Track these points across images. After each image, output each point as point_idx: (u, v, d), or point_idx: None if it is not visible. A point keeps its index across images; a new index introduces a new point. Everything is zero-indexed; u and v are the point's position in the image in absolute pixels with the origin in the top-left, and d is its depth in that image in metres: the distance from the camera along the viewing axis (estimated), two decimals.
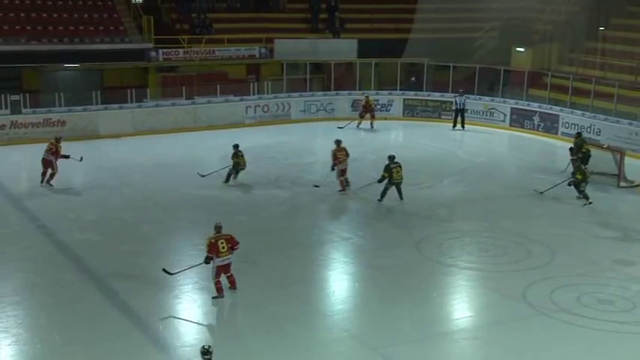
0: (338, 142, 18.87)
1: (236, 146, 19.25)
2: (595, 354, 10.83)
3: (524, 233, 15.66)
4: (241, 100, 26.84)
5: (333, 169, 18.48)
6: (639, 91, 23.06)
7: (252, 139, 23.86)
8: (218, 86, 26.61)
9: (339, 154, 18.51)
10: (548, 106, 25.35)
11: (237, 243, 12.39)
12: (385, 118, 27.88)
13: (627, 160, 19.71)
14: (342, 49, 28.86)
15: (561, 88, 25.67)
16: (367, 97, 26.63)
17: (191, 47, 27.12)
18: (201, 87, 26.74)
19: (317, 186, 18.89)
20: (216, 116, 26.22)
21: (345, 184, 18.46)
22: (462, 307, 12.78)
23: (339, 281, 13.58)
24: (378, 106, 28.11)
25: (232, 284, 12.53)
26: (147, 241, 15.23)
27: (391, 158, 17.51)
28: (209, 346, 9.00)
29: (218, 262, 12.24)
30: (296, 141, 24.47)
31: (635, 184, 19.27)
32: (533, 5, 29.25)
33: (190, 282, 13.15)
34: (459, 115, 26.04)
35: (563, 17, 29.26)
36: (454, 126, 26.06)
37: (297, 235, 15.66)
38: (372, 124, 26.33)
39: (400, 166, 17.47)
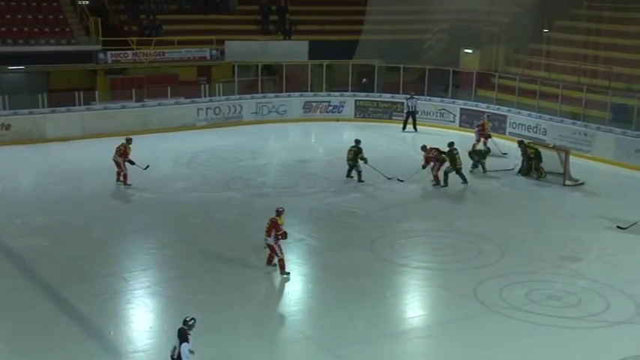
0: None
1: (357, 142, 19.74)
2: (544, 349, 11.07)
3: (476, 232, 15.93)
4: (192, 102, 26.60)
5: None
6: (582, 92, 23.69)
7: (204, 142, 23.73)
8: (169, 88, 26.32)
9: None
10: (496, 106, 25.84)
11: (278, 231, 13.25)
12: (337, 120, 28.03)
13: (572, 159, 20.25)
14: (293, 50, 28.89)
15: (508, 88, 26.20)
16: (488, 118, 23.87)
17: (140, 49, 26.78)
18: (152, 89, 26.38)
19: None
20: (167, 119, 25.93)
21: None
22: (414, 306, 12.95)
23: (292, 282, 13.56)
24: (330, 108, 28.24)
25: (280, 268, 13.49)
26: (97, 246, 14.97)
27: (451, 144, 19.60)
28: (191, 319, 9.42)
29: None
30: (248, 143, 24.39)
31: (579, 182, 19.78)
32: (480, 7, 29.79)
33: (142, 286, 13.01)
34: (410, 117, 26.30)
35: (508, 19, 29.89)
36: (404, 128, 26.32)
37: (250, 237, 15.59)
38: (485, 143, 23.03)
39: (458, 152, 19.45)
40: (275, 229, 13.31)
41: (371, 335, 11.50)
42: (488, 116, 24.18)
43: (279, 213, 13.53)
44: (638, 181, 20.51)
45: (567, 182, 19.65)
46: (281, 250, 13.45)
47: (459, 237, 15.70)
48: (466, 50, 29.48)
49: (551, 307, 12.28)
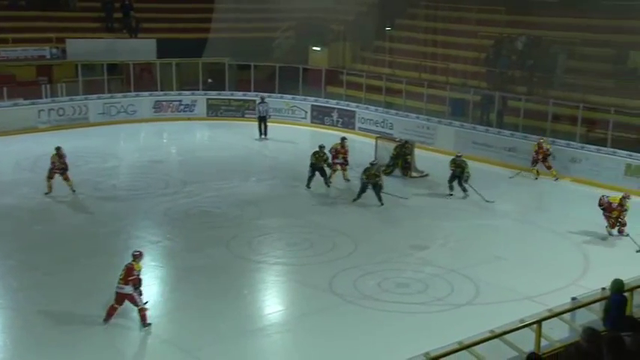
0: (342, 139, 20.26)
1: (321, 147, 19.46)
2: (396, 335, 11.55)
3: (330, 226, 16.39)
4: (32, 103, 25.16)
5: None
6: (423, 88, 24.98)
7: (48, 145, 22.41)
8: (5, 89, 24.71)
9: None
10: (346, 102, 26.64)
11: (133, 276, 11.41)
12: (189, 119, 27.67)
13: (416, 151, 21.35)
14: (140, 49, 28.11)
15: (356, 85, 27.09)
16: (543, 142, 20.70)
17: None
18: None
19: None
20: (5, 121, 24.30)
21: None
22: (272, 301, 13.15)
23: (149, 286, 13.16)
24: (181, 107, 27.78)
25: (141, 319, 11.50)
26: None
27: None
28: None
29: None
30: (97, 145, 23.48)
31: (424, 174, 20.85)
32: (325, 5, 30.51)
33: None
34: (262, 122, 25.16)
35: (353, 17, 30.86)
36: (260, 134, 25.11)
37: (102, 242, 15.11)
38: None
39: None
40: (128, 276, 11.43)
41: (230, 334, 11.53)
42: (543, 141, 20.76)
43: (135, 257, 11.68)
44: (477, 171, 21.83)
45: (413, 174, 20.64)
46: (140, 299, 11.59)
47: (314, 231, 16.08)
48: (314, 48, 30.12)
49: (401, 295, 12.92)
